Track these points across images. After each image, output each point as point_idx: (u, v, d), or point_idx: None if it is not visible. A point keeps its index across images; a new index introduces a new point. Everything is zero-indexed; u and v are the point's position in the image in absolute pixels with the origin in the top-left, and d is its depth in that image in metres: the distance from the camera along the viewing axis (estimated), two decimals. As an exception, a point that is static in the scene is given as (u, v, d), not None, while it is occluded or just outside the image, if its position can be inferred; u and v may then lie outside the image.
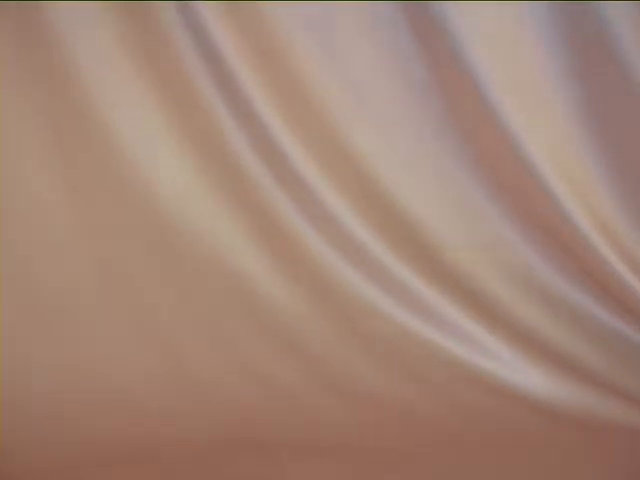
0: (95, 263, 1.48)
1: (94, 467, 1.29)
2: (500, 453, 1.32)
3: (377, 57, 1.46)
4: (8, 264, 1.45)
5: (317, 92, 1.45)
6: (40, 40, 1.41)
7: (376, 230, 1.49)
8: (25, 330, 1.46)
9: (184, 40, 1.40)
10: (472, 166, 1.49)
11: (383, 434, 1.37)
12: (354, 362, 1.46)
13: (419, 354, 1.46)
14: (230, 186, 1.46)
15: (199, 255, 1.47)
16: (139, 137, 1.44)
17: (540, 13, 1.46)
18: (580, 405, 1.43)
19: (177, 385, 1.44)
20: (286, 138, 1.46)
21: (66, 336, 1.47)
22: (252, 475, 1.28)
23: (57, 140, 1.45)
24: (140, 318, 1.47)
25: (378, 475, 1.28)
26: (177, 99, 1.44)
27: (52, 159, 1.45)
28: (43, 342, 1.46)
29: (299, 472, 1.28)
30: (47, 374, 1.44)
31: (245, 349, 1.47)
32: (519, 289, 1.49)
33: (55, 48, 1.41)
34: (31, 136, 1.44)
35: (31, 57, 1.42)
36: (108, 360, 1.46)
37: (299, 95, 1.45)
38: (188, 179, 1.45)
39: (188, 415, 1.40)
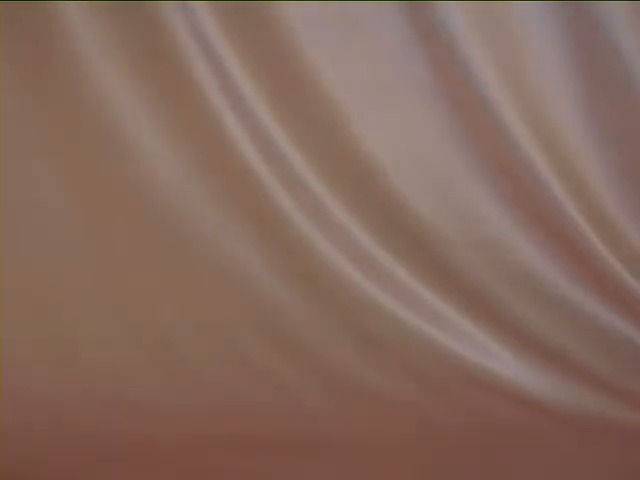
0: (94, 263, 1.48)
1: (94, 466, 1.29)
2: (500, 453, 1.32)
3: (377, 57, 1.46)
4: (8, 264, 1.45)
5: (317, 92, 1.45)
6: (40, 40, 1.41)
7: (376, 230, 1.49)
8: (25, 330, 1.46)
9: (186, 41, 1.40)
10: (473, 166, 1.49)
11: (383, 433, 1.37)
12: (354, 361, 1.46)
13: (419, 353, 1.46)
14: (231, 187, 1.46)
15: (199, 255, 1.47)
16: (139, 137, 1.44)
17: (540, 13, 1.46)
18: (580, 405, 1.43)
19: (177, 384, 1.44)
20: (286, 138, 1.46)
21: (66, 336, 1.47)
22: (252, 473, 1.27)
23: (56, 140, 1.45)
24: (140, 318, 1.47)
25: (378, 473, 1.28)
26: (178, 100, 1.43)
27: (52, 160, 1.45)
28: (43, 342, 1.46)
29: (299, 470, 1.28)
30: (46, 374, 1.44)
31: (245, 348, 1.47)
32: (520, 289, 1.49)
33: (56, 48, 1.41)
34: (31, 134, 1.44)
35: (32, 57, 1.42)
36: (107, 360, 1.46)
37: (299, 95, 1.45)
38: (187, 179, 1.45)
39: (188, 414, 1.40)
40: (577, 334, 1.48)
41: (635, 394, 1.43)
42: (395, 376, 1.46)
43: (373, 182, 1.47)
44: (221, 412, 1.41)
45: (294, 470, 1.28)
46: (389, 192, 1.47)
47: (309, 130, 1.46)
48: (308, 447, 1.33)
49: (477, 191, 1.49)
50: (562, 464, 1.30)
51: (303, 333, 1.47)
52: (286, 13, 1.43)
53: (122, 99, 1.42)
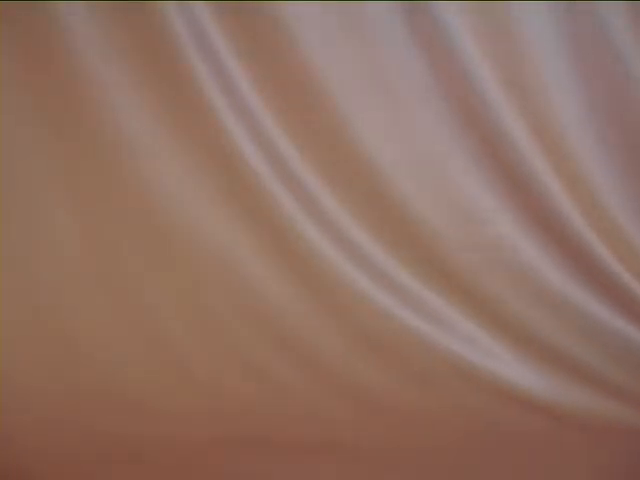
0: (94, 264, 1.47)
1: (94, 465, 1.29)
2: (500, 453, 1.32)
3: (377, 57, 1.46)
4: (8, 264, 1.45)
5: (317, 93, 1.45)
6: (41, 40, 1.41)
7: (378, 231, 1.49)
8: (25, 330, 1.46)
9: (186, 41, 1.40)
10: (474, 167, 1.49)
11: (383, 432, 1.38)
12: (354, 361, 1.46)
13: (420, 354, 1.46)
14: (231, 187, 1.46)
15: (199, 255, 1.47)
16: (139, 137, 1.44)
17: (540, 13, 1.46)
18: (580, 405, 1.43)
19: (177, 384, 1.44)
20: (286, 137, 1.46)
21: (66, 336, 1.47)
22: (252, 473, 1.28)
23: (57, 140, 1.45)
24: (140, 318, 1.47)
25: (377, 473, 1.28)
26: (179, 100, 1.43)
27: (52, 160, 1.45)
28: (43, 343, 1.46)
29: (299, 469, 1.28)
30: (47, 374, 1.44)
31: (245, 349, 1.47)
32: (521, 290, 1.49)
33: (57, 50, 1.41)
34: (31, 136, 1.44)
35: (32, 57, 1.42)
36: (108, 360, 1.46)
37: (299, 95, 1.45)
38: (188, 179, 1.45)
39: (188, 413, 1.40)
40: (578, 335, 1.48)
41: (636, 394, 1.43)
42: (395, 376, 1.46)
43: (373, 182, 1.47)
44: (221, 412, 1.41)
45: (294, 470, 1.28)
46: (389, 192, 1.47)
47: (309, 130, 1.46)
48: (307, 447, 1.33)
49: (477, 191, 1.49)
50: (562, 464, 1.30)
51: (303, 333, 1.47)
52: (286, 13, 1.43)
53: (122, 99, 1.42)
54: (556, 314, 1.48)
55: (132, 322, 1.47)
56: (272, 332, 1.47)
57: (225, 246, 1.47)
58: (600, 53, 1.48)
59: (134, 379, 1.44)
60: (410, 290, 1.49)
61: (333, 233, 1.47)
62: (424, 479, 1.27)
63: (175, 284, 1.47)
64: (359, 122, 1.46)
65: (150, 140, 1.44)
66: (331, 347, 1.47)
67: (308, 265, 1.47)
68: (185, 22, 1.40)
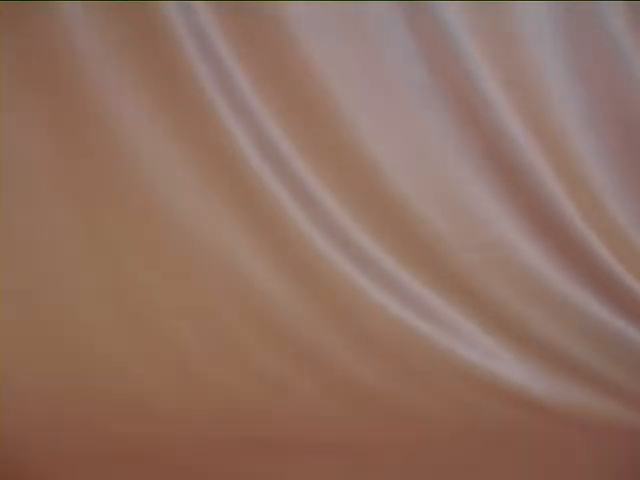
0: (95, 263, 1.47)
1: (94, 464, 1.29)
2: (500, 453, 1.32)
3: (377, 57, 1.46)
4: (8, 264, 1.45)
5: (318, 93, 1.45)
6: (42, 42, 1.41)
7: (378, 232, 1.49)
8: (25, 330, 1.46)
9: (186, 41, 1.40)
10: (475, 167, 1.49)
11: (383, 432, 1.37)
12: (354, 361, 1.46)
13: (420, 354, 1.46)
14: (231, 187, 1.46)
15: (199, 255, 1.47)
16: (139, 137, 1.44)
17: (540, 13, 1.46)
18: (580, 405, 1.43)
19: (177, 384, 1.44)
20: (287, 139, 1.46)
21: (66, 337, 1.47)
22: (253, 472, 1.28)
23: (58, 141, 1.45)
24: (140, 318, 1.47)
25: (378, 473, 1.28)
26: (179, 100, 1.43)
27: (52, 160, 1.45)
28: (43, 342, 1.46)
29: (300, 469, 1.28)
30: (47, 374, 1.44)
31: (245, 349, 1.47)
32: (521, 290, 1.49)
33: (57, 50, 1.41)
34: (32, 137, 1.44)
35: (32, 57, 1.42)
36: (108, 360, 1.46)
37: (300, 96, 1.46)
38: (189, 179, 1.45)
39: (189, 413, 1.40)
40: (579, 335, 1.48)
41: (636, 394, 1.43)
42: (395, 376, 1.46)
43: (373, 182, 1.47)
44: (221, 412, 1.41)
45: (294, 470, 1.28)
46: (389, 192, 1.47)
47: (309, 130, 1.46)
48: (308, 447, 1.33)
49: (478, 191, 1.49)
50: (562, 464, 1.30)
51: (303, 333, 1.47)
52: (286, 13, 1.43)
53: (122, 99, 1.42)
54: (556, 314, 1.48)
55: (132, 322, 1.47)
56: (272, 332, 1.47)
57: (225, 246, 1.47)
58: (600, 53, 1.48)
59: (134, 379, 1.44)
60: (410, 290, 1.49)
61: (333, 233, 1.47)
62: (424, 479, 1.27)
63: (175, 284, 1.47)
64: (359, 122, 1.46)
65: (150, 140, 1.45)
66: (331, 347, 1.47)
67: (308, 265, 1.47)
68: (185, 22, 1.40)
